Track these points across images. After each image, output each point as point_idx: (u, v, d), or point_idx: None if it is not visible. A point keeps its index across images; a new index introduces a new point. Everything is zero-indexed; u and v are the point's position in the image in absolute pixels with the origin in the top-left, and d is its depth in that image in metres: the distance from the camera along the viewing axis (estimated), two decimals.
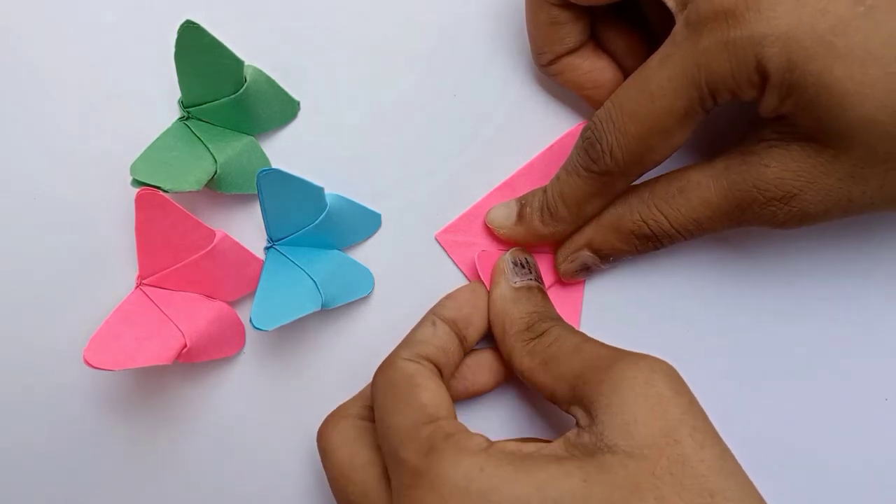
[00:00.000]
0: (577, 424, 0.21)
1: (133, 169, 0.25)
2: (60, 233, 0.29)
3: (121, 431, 0.29)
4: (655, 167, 0.23)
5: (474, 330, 0.26)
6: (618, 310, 0.28)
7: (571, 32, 0.25)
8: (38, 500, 0.29)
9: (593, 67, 0.26)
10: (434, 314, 0.25)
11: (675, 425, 0.19)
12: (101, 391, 0.29)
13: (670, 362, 0.26)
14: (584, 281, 0.28)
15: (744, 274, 0.28)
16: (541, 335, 0.24)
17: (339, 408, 0.26)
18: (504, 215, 0.27)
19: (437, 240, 0.28)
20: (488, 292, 0.26)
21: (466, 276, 0.28)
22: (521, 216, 0.26)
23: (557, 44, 0.25)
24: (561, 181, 0.25)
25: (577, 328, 0.25)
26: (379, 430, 0.22)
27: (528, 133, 0.28)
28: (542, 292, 0.26)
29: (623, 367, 0.21)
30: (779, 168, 0.22)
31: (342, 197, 0.27)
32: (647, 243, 0.25)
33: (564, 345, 0.23)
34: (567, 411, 0.22)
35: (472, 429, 0.22)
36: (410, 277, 0.28)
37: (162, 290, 0.27)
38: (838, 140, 0.20)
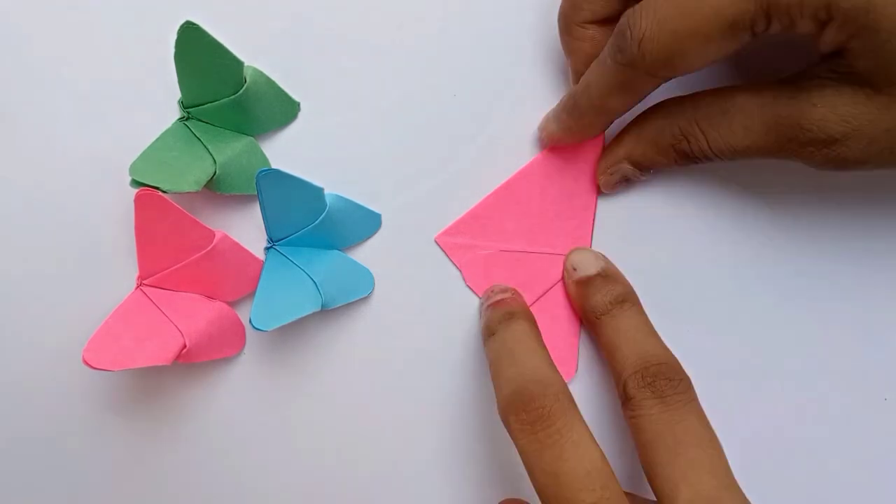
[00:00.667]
0: None
1: (132, 169, 0.25)
2: (60, 233, 0.29)
3: (121, 432, 0.29)
4: (680, 75, 0.23)
5: None
6: None
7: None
8: (38, 500, 0.29)
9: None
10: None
11: None
12: (100, 391, 0.29)
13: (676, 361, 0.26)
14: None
15: (744, 274, 0.28)
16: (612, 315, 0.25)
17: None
18: (544, 117, 0.27)
19: (436, 242, 0.28)
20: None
21: (465, 279, 0.28)
22: (554, 113, 0.26)
23: (601, 6, 0.24)
24: (589, 71, 0.24)
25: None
26: None
27: (529, 133, 0.28)
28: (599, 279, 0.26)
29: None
30: (826, 109, 0.21)
31: (342, 197, 0.27)
32: (685, 158, 0.25)
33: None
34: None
35: None
36: (410, 278, 0.28)
37: (162, 291, 0.27)
38: (891, 85, 0.20)
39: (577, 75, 0.26)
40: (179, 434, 0.29)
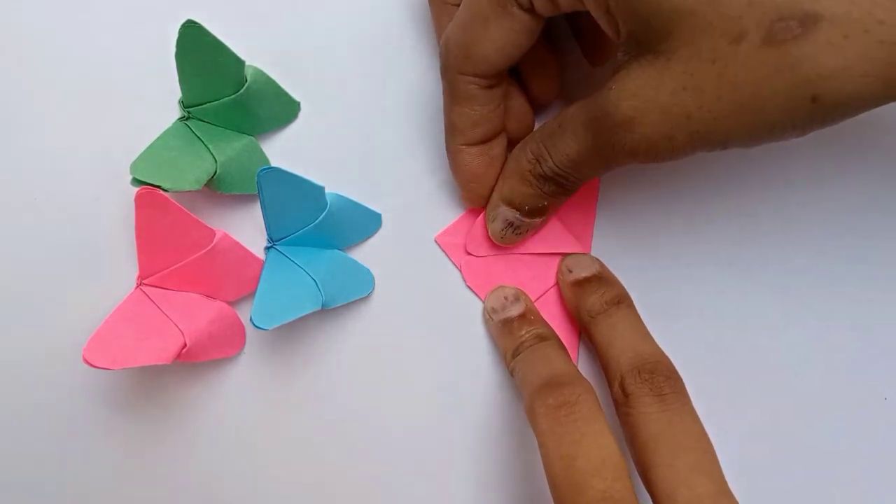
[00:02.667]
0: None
1: (133, 168, 0.25)
2: (61, 232, 0.29)
3: (121, 431, 0.29)
4: (487, 71, 0.23)
5: None
6: None
7: (482, 119, 0.25)
8: (38, 500, 0.29)
9: (479, 167, 0.26)
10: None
11: None
12: (101, 391, 0.29)
13: (670, 362, 0.26)
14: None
15: (743, 273, 0.28)
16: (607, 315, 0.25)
17: None
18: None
19: (436, 242, 0.28)
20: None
21: (465, 279, 0.28)
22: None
23: (470, 129, 0.25)
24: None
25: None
26: None
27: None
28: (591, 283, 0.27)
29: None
30: (617, 89, 0.20)
31: (343, 196, 0.27)
32: (547, 184, 0.24)
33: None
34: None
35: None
36: (410, 277, 0.28)
37: (162, 290, 0.27)
38: (664, 41, 0.19)
39: (462, 191, 0.27)
40: (179, 433, 0.29)
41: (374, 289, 0.28)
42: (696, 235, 0.28)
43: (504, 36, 0.22)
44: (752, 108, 0.19)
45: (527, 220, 0.26)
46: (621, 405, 0.23)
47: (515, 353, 0.25)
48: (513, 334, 0.26)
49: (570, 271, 0.27)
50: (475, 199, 0.27)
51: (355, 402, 0.28)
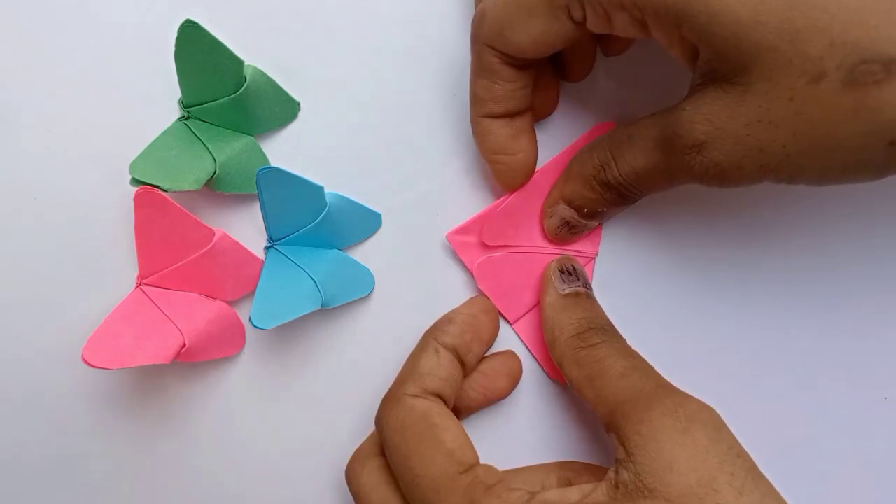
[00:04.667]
0: (616, 456, 0.20)
1: (132, 167, 0.25)
2: (61, 232, 0.29)
3: (121, 431, 0.29)
4: (516, 55, 0.23)
5: (474, 356, 0.26)
6: (618, 310, 0.28)
7: (509, 95, 0.24)
8: (38, 500, 0.29)
9: (510, 143, 0.25)
10: (436, 340, 0.25)
11: (713, 474, 0.19)
12: (101, 391, 0.29)
13: (668, 362, 0.26)
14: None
15: (744, 273, 0.28)
16: (591, 347, 0.23)
17: (363, 446, 0.25)
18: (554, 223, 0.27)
19: (447, 240, 0.28)
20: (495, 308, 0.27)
21: (477, 281, 0.28)
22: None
23: (493, 102, 0.25)
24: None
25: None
26: (405, 479, 0.22)
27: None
28: (592, 299, 0.26)
29: (662, 412, 0.20)
30: (691, 110, 0.20)
31: (342, 196, 0.27)
32: (610, 192, 0.24)
33: (612, 367, 0.22)
34: (606, 432, 0.22)
35: (481, 441, 0.22)
36: (410, 277, 0.28)
37: (161, 290, 0.27)
38: (742, 74, 0.19)
39: (493, 171, 0.26)
40: (179, 433, 0.29)
41: (373, 289, 0.28)
42: (697, 235, 0.28)
43: (542, 34, 0.22)
44: (826, 148, 0.19)
45: (583, 221, 0.26)
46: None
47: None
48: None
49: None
50: (505, 174, 0.26)
51: (355, 402, 0.28)
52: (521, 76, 0.24)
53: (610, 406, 0.21)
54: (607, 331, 0.24)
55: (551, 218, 0.26)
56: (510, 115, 0.25)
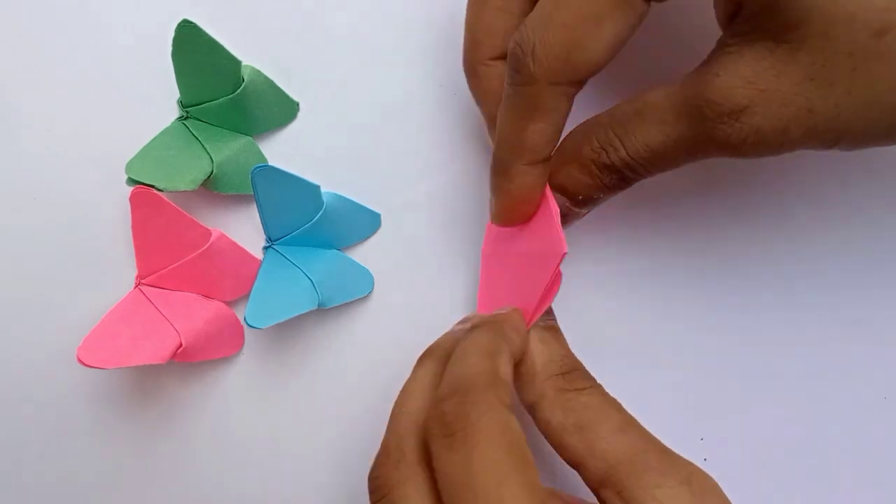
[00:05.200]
0: None
1: (128, 167, 0.25)
2: (60, 232, 0.29)
3: (120, 431, 0.29)
4: (587, 75, 0.20)
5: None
6: (618, 310, 0.28)
7: (515, 25, 0.22)
8: (37, 500, 0.29)
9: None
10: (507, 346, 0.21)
11: None
12: (99, 391, 0.29)
13: (669, 362, 0.26)
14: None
15: (744, 274, 0.28)
16: (577, 391, 0.21)
17: (390, 444, 0.21)
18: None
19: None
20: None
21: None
22: (490, 188, 0.24)
23: (501, 37, 0.22)
24: (498, 119, 0.22)
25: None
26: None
27: None
28: (563, 336, 0.24)
29: (679, 481, 0.19)
30: (728, 75, 0.19)
31: (341, 196, 0.27)
32: (611, 176, 0.22)
33: (608, 419, 0.21)
34: (593, 489, 0.20)
35: None
36: (410, 277, 0.28)
37: (159, 290, 0.27)
38: (794, 30, 0.18)
39: (491, 118, 0.24)
40: (178, 433, 0.29)
41: (373, 289, 0.28)
42: (695, 235, 0.28)
43: (618, 33, 0.20)
44: (883, 106, 0.18)
45: (575, 209, 0.23)
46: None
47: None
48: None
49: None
50: (518, 219, 0.24)
51: (354, 403, 0.28)
52: (572, 102, 0.21)
53: (608, 462, 0.19)
54: (589, 376, 0.22)
55: None
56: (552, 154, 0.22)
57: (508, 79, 0.21)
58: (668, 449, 0.20)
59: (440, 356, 0.22)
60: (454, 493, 0.17)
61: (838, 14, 0.17)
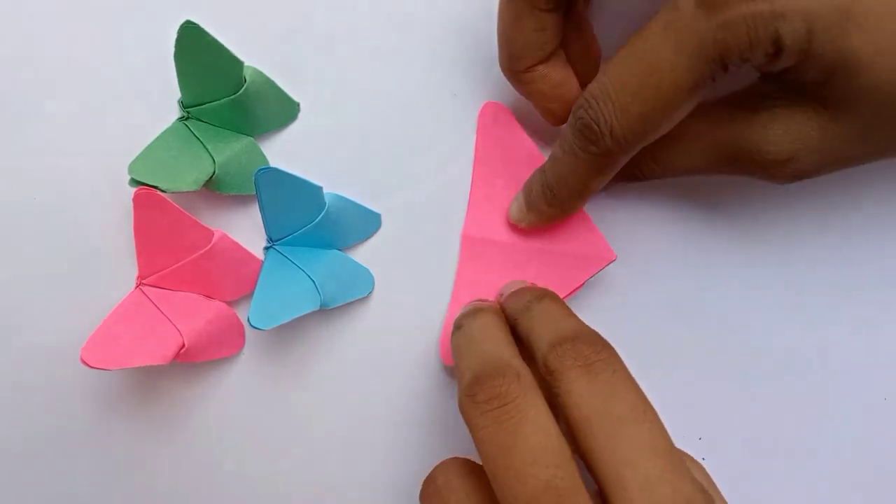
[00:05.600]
0: None
1: (131, 168, 0.25)
2: (60, 232, 0.29)
3: (120, 431, 0.29)
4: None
5: None
6: (618, 310, 0.28)
7: (551, 38, 0.24)
8: (38, 500, 0.29)
9: (562, 79, 0.25)
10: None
11: None
12: (100, 391, 0.29)
13: (669, 362, 0.26)
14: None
15: (744, 273, 0.28)
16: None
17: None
18: (517, 208, 0.27)
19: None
20: None
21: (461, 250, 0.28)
22: (528, 204, 0.26)
23: (538, 49, 0.24)
24: (559, 163, 0.24)
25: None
26: None
27: (529, 133, 0.28)
28: None
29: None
30: (781, 131, 0.21)
31: (342, 197, 0.27)
32: (628, 179, 0.25)
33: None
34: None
35: None
36: (410, 277, 0.28)
37: (161, 290, 0.27)
38: (843, 104, 0.20)
39: (547, 112, 0.26)
40: (179, 434, 0.29)
41: (373, 289, 0.28)
42: (696, 235, 0.28)
43: (687, 111, 0.22)
44: None
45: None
46: (549, 387, 0.20)
47: (454, 329, 0.24)
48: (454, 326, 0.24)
49: (502, 294, 0.26)
50: (564, 110, 0.25)
51: (355, 403, 0.28)
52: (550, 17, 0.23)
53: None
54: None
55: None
56: (550, 57, 0.24)
57: (580, 144, 0.23)
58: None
59: (495, 309, 0.24)
60: (592, 414, 0.19)
61: (890, 96, 0.20)
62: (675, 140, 0.23)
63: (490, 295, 0.27)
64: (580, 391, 0.19)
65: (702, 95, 0.21)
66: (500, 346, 0.21)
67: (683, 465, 0.19)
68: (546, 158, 0.27)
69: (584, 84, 0.25)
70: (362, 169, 0.28)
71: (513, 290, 0.25)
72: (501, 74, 0.28)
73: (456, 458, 0.21)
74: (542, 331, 0.22)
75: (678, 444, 0.21)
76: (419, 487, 0.28)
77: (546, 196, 0.25)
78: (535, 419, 0.19)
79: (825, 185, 0.27)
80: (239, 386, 0.29)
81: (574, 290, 0.27)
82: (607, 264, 0.27)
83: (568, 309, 0.23)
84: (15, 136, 0.29)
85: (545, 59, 0.24)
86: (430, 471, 0.26)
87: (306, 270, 0.26)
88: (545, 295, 0.24)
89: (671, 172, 0.24)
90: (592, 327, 0.25)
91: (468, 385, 0.20)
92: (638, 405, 0.19)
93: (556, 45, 0.24)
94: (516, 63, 0.25)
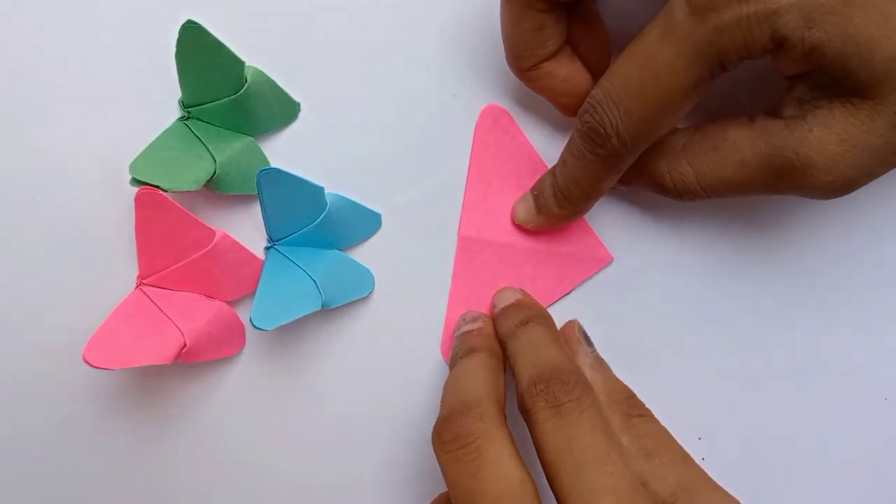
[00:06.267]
0: None
1: (132, 168, 0.25)
2: (61, 232, 0.29)
3: (121, 431, 0.29)
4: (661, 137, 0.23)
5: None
6: (618, 310, 0.28)
7: (552, 36, 0.24)
8: (38, 500, 0.29)
9: (570, 74, 0.25)
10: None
11: None
12: (101, 391, 0.29)
13: (670, 362, 0.26)
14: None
15: (744, 274, 0.28)
16: (641, 417, 0.23)
17: None
18: (525, 210, 0.27)
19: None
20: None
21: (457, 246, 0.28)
22: (539, 206, 0.26)
23: (540, 48, 0.24)
24: (569, 165, 0.25)
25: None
26: None
27: (529, 133, 0.28)
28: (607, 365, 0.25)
29: None
30: (822, 131, 0.21)
31: (342, 197, 0.27)
32: (665, 193, 0.25)
33: (672, 447, 0.22)
34: None
35: None
36: (410, 277, 0.28)
37: (162, 290, 0.27)
38: (873, 89, 0.20)
39: (559, 105, 0.26)
40: (179, 433, 0.29)
41: (373, 289, 0.28)
42: (696, 235, 0.28)
43: (691, 107, 0.22)
44: None
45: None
46: (528, 427, 0.21)
47: (450, 368, 0.24)
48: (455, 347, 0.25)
49: (495, 306, 0.27)
50: (576, 103, 0.25)
51: (355, 402, 0.28)
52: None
53: (672, 488, 0.21)
54: (641, 402, 0.24)
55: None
56: (554, 54, 0.25)
57: (588, 146, 0.23)
58: (717, 484, 0.21)
59: (489, 347, 0.24)
60: (558, 458, 0.19)
61: None
62: (713, 149, 0.23)
63: (487, 296, 0.28)
64: (548, 433, 0.20)
65: (703, 92, 0.22)
66: (476, 385, 0.22)
67: (642, 498, 0.19)
68: (544, 161, 0.28)
69: (596, 76, 0.25)
70: (362, 169, 0.28)
71: (506, 302, 0.26)
72: (501, 75, 0.28)
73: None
74: (522, 364, 0.22)
75: None
76: (419, 486, 0.28)
77: (557, 198, 0.26)
78: (496, 460, 0.19)
79: None
80: (239, 386, 0.29)
81: (569, 291, 0.28)
82: (604, 266, 0.27)
83: (552, 334, 0.24)
84: (15, 136, 0.29)
85: (550, 57, 0.25)
86: (430, 471, 0.26)
87: (307, 270, 0.26)
88: (531, 318, 0.24)
89: (706, 185, 0.23)
90: (588, 330, 0.25)
91: (436, 424, 0.21)
92: (601, 447, 0.19)
93: (559, 43, 0.24)
94: (521, 62, 0.25)
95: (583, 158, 0.24)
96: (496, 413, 0.21)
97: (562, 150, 0.25)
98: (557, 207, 0.26)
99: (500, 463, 0.19)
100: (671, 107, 0.22)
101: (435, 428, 0.21)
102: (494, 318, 0.26)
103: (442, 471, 0.20)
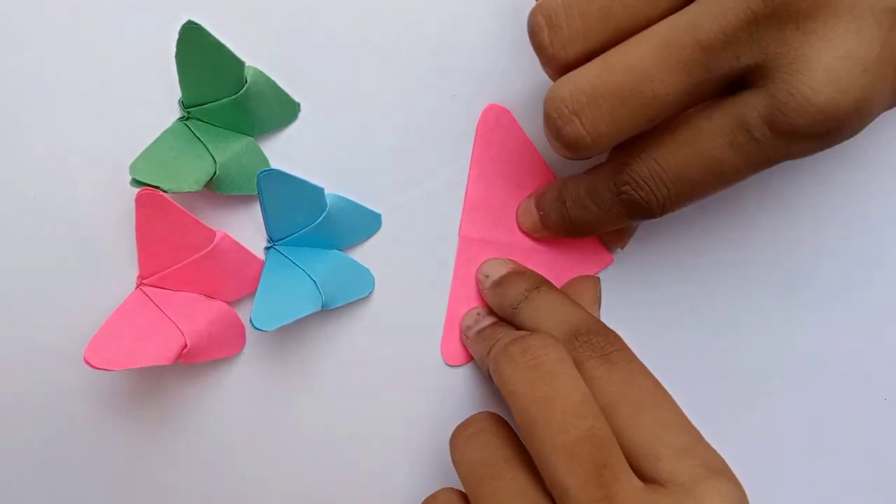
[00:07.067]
0: None
1: (133, 168, 0.25)
2: (61, 232, 0.29)
3: (121, 431, 0.29)
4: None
5: None
6: (618, 310, 0.28)
7: None
8: (38, 500, 0.29)
9: None
10: None
11: None
12: (101, 391, 0.29)
13: (670, 362, 0.26)
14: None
15: (744, 274, 0.28)
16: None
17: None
18: (531, 222, 0.27)
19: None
20: None
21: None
22: (544, 224, 0.27)
23: None
24: (588, 212, 0.24)
25: None
26: None
27: (529, 133, 0.28)
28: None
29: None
30: (830, 58, 0.18)
31: (342, 197, 0.27)
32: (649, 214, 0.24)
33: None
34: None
35: None
36: (410, 277, 0.28)
37: (162, 290, 0.27)
38: (821, 7, 0.18)
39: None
40: (179, 434, 0.29)
41: (373, 289, 0.28)
42: (697, 234, 0.28)
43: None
44: None
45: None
46: None
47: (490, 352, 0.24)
48: (486, 340, 0.25)
49: (487, 276, 0.27)
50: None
51: (355, 403, 0.28)
52: None
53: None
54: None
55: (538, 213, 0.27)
56: None
57: (624, 212, 0.23)
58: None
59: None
60: (616, 400, 0.20)
61: None
62: (686, 147, 0.21)
63: None
64: (601, 378, 0.21)
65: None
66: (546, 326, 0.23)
67: (705, 440, 0.20)
68: (546, 161, 0.27)
69: None
70: (362, 169, 0.28)
71: (500, 272, 0.26)
72: (501, 75, 0.28)
73: (490, 413, 0.23)
74: (552, 323, 0.23)
75: None
76: (419, 487, 0.28)
77: (566, 226, 0.26)
78: (571, 374, 0.20)
79: (825, 183, 0.27)
80: (239, 386, 0.29)
81: None
82: (604, 267, 0.28)
83: (567, 297, 0.25)
84: (15, 136, 0.29)
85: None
86: (430, 472, 0.26)
87: (307, 270, 0.26)
88: (542, 282, 0.25)
89: (688, 197, 0.22)
90: None
91: (503, 346, 0.21)
92: (657, 391, 0.21)
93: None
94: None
95: (610, 213, 0.24)
96: (562, 347, 0.21)
97: (576, 185, 0.25)
98: (564, 232, 0.26)
99: (574, 378, 0.20)
100: (724, 185, 0.21)
101: (502, 349, 0.21)
102: (492, 288, 0.26)
103: (507, 385, 0.20)
